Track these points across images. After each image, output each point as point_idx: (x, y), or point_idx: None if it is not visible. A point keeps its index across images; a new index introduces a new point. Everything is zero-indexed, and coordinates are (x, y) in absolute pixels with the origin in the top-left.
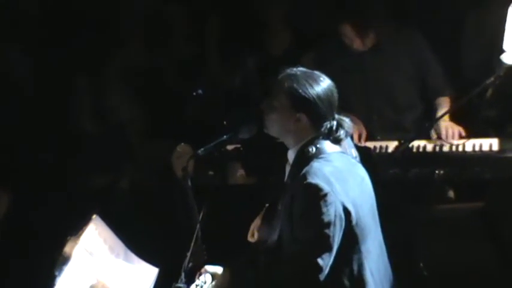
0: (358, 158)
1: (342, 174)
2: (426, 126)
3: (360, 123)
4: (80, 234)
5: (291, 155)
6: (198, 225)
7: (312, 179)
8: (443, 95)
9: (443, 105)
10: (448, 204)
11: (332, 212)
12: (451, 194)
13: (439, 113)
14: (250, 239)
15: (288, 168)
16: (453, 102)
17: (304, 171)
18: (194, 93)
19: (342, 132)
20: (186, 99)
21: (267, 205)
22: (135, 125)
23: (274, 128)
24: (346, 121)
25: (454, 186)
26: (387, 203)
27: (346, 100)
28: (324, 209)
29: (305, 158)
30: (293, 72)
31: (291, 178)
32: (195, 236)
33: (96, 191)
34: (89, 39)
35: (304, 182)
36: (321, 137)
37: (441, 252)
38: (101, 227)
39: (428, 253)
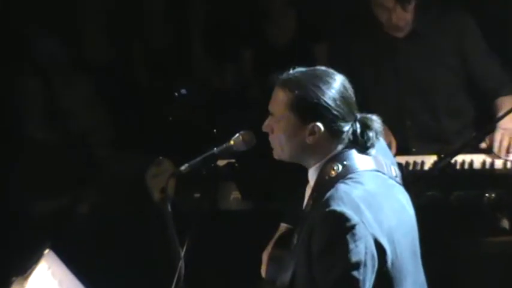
0: (399, 178)
1: (376, 200)
2: (474, 136)
3: (388, 132)
4: (29, 275)
5: (311, 175)
6: (180, 262)
7: (337, 206)
8: (501, 94)
9: (504, 106)
10: (501, 236)
11: (362, 248)
12: (505, 223)
13: (498, 115)
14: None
15: (308, 191)
16: None
17: (327, 195)
18: (176, 94)
19: (370, 135)
20: (166, 102)
21: (278, 234)
22: (98, 133)
23: (285, 151)
24: (374, 119)
25: (509, 214)
26: (424, 234)
27: (371, 101)
28: (352, 245)
29: (329, 179)
30: (291, 76)
31: (311, 204)
32: (176, 275)
33: (48, 218)
34: (39, 29)
35: (327, 210)
36: (347, 149)
37: None
38: (55, 265)
39: None
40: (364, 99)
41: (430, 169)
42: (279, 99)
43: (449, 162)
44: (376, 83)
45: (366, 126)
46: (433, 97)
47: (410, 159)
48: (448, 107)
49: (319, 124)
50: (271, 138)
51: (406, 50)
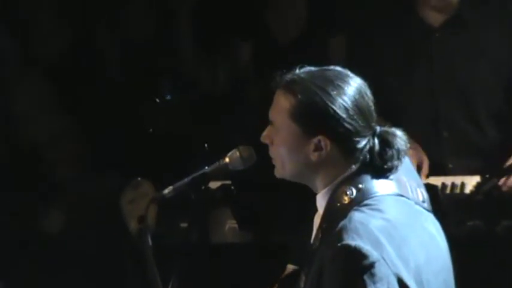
0: (427, 204)
1: (399, 231)
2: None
3: (419, 150)
4: None
5: (320, 201)
6: None
7: (351, 240)
8: None
9: None
10: None
11: None
12: None
13: None
14: None
15: (317, 221)
16: None
17: (339, 226)
18: (158, 100)
19: (390, 154)
20: (145, 109)
21: (283, 276)
22: (61, 147)
23: (286, 169)
24: (397, 134)
25: None
26: (463, 273)
27: (399, 106)
28: None
29: (342, 206)
30: (295, 77)
31: (320, 237)
32: None
33: None
34: None
35: (339, 245)
36: (362, 169)
37: None
38: None
39: None
40: (390, 104)
41: (472, 193)
42: (280, 105)
43: (496, 184)
44: (406, 83)
45: (386, 143)
46: (475, 101)
47: (448, 180)
48: (494, 115)
49: (327, 138)
50: (271, 151)
51: (444, 41)
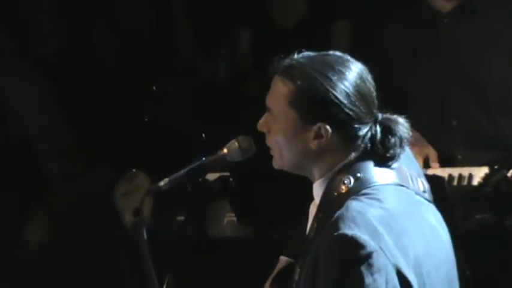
0: (428, 194)
1: (398, 221)
2: None
3: (424, 143)
4: None
5: (317, 190)
6: None
7: (348, 229)
8: None
9: None
10: None
11: (382, 283)
12: None
13: None
14: None
15: (313, 211)
16: None
17: (336, 215)
18: (154, 88)
19: (393, 141)
20: (141, 98)
21: (277, 269)
22: (52, 140)
23: (284, 158)
24: (399, 121)
25: None
26: (470, 268)
27: (406, 97)
28: (368, 279)
29: (339, 195)
30: (294, 62)
31: (316, 227)
32: None
33: None
34: None
35: (335, 234)
36: (362, 159)
37: None
38: None
39: None
40: (398, 93)
41: (481, 184)
42: (278, 91)
43: (506, 176)
44: (413, 71)
45: (388, 131)
46: (486, 90)
47: (455, 171)
48: (505, 104)
49: (327, 125)
50: (268, 140)
51: (453, 28)
